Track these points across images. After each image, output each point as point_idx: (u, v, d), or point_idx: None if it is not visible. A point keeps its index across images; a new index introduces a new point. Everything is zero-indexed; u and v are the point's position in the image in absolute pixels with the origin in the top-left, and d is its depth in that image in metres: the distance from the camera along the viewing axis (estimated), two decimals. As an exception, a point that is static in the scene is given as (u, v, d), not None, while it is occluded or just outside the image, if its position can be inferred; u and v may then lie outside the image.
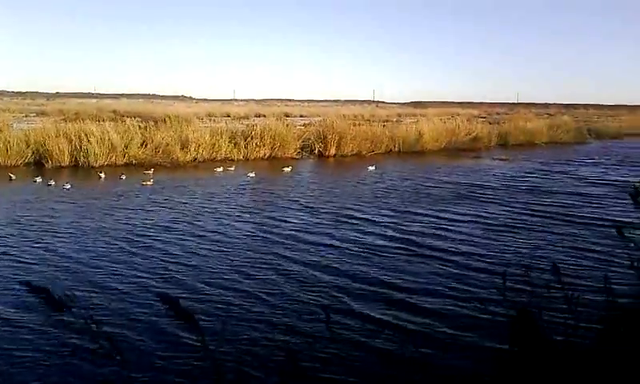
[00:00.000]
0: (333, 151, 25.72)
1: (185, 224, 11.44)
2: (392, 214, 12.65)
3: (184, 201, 14.01)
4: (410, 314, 6.65)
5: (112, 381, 4.71)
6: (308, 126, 31.39)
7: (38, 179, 16.81)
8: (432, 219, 12.03)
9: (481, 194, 15.61)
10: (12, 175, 17.24)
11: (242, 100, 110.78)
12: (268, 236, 10.47)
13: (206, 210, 12.99)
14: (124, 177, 17.62)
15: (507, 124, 35.85)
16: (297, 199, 14.47)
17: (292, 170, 20.56)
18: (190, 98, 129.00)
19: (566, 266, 7.94)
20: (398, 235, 10.57)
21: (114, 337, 5.51)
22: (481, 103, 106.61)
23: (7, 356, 5.54)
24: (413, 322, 6.39)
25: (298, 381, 1.76)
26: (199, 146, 22.75)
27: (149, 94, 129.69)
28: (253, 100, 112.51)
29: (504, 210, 13.11)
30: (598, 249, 9.40)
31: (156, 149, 21.76)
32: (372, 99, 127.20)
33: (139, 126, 23.83)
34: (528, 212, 12.87)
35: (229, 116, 51.73)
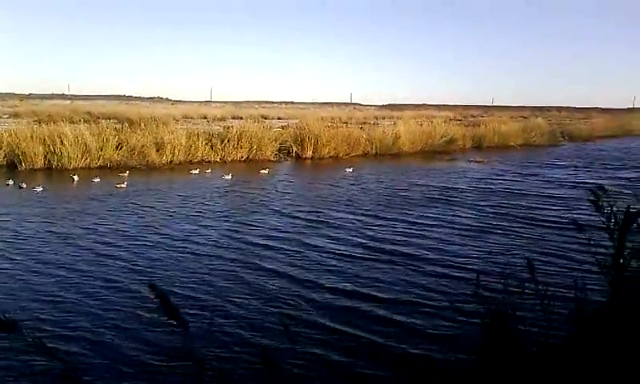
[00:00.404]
0: (310, 153, 25.81)
1: (154, 229, 11.28)
2: (366, 218, 12.74)
3: (157, 205, 13.88)
4: (379, 319, 6.71)
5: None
6: (285, 128, 31.41)
7: (10, 182, 16.54)
8: (406, 223, 12.14)
9: (454, 196, 15.82)
10: (-18, 178, 16.93)
11: (218, 102, 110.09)
12: (239, 241, 10.37)
13: (179, 214, 12.89)
14: (98, 180, 17.43)
15: (482, 127, 36.33)
16: (271, 203, 14.49)
17: (269, 172, 20.58)
18: (167, 99, 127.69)
19: (537, 268, 8.06)
20: (370, 240, 10.62)
21: (73, 354, 5.47)
22: (456, 106, 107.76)
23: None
24: (383, 328, 6.45)
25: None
26: (175, 148, 22.59)
27: (125, 96, 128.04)
28: (230, 102, 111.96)
29: (477, 214, 13.32)
30: (568, 251, 9.60)
31: (131, 151, 21.55)
32: (349, 102, 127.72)
33: (114, 128, 23.61)
34: (500, 215, 13.09)
35: (205, 118, 51.44)
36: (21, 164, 19.71)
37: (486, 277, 7.21)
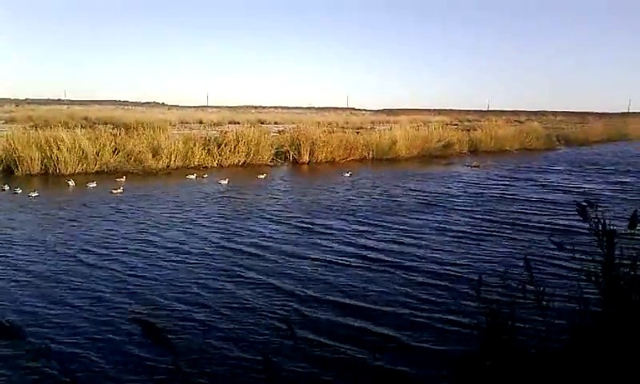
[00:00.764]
0: (307, 158, 25.86)
1: (148, 235, 11.23)
2: (362, 224, 12.70)
3: (151, 211, 13.84)
4: (375, 326, 6.67)
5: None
6: (282, 132, 31.45)
7: (6, 187, 16.51)
8: (402, 230, 12.11)
9: (450, 202, 15.83)
10: (-22, 184, 16.89)
11: (215, 106, 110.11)
12: (232, 251, 10.22)
13: (174, 220, 12.85)
14: (94, 185, 17.41)
15: (478, 131, 36.42)
16: (267, 208, 14.46)
17: (266, 177, 20.59)
18: (163, 104, 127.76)
19: (534, 274, 8.06)
20: (367, 248, 10.54)
21: (67, 361, 5.42)
22: (452, 110, 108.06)
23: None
24: (379, 335, 6.42)
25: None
26: (172, 153, 22.61)
27: (120, 101, 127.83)
28: (226, 107, 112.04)
29: (472, 219, 13.31)
30: (561, 257, 9.59)
31: (128, 156, 21.56)
32: (346, 106, 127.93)
33: (111, 133, 23.62)
34: (497, 220, 13.08)
35: (202, 122, 51.44)
36: (17, 169, 19.70)
37: (484, 282, 7.21)
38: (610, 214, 2.57)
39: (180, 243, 10.63)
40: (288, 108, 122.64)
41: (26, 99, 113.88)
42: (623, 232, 2.68)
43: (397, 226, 12.33)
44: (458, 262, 9.44)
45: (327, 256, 9.81)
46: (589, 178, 21.86)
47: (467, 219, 13.21)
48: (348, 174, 21.40)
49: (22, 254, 9.64)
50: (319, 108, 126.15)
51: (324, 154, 26.16)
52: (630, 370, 2.33)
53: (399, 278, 8.52)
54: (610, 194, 17.53)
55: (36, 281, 8.25)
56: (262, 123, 44.70)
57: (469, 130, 37.97)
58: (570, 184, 20.01)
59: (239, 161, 24.42)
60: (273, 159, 25.21)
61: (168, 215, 13.33)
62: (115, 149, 21.73)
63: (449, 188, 18.63)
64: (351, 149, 27.39)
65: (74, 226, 12.03)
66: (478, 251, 10.19)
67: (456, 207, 14.87)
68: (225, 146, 24.27)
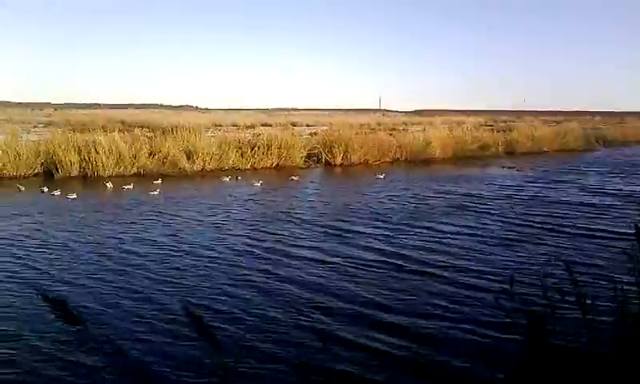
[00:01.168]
0: (339, 160, 25.73)
1: (182, 237, 11.25)
2: (393, 230, 12.36)
3: (187, 213, 13.92)
4: (405, 334, 6.46)
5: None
6: (314, 134, 31.43)
7: (45, 189, 16.92)
8: (439, 232, 11.89)
9: (486, 205, 15.47)
10: (21, 186, 17.35)
11: (248, 109, 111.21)
12: (267, 251, 10.21)
13: (207, 222, 12.89)
14: (130, 187, 17.66)
15: (514, 132, 35.65)
16: (300, 211, 14.38)
17: (298, 179, 20.57)
18: (196, 107, 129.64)
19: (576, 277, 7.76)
20: (402, 250, 10.38)
21: (97, 367, 5.53)
22: (486, 111, 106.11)
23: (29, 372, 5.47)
24: (409, 343, 6.23)
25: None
26: (206, 155, 22.83)
27: (155, 104, 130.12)
28: (259, 109, 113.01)
29: (508, 223, 12.97)
30: (602, 262, 9.24)
31: (164, 159, 21.86)
32: (378, 108, 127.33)
33: (147, 136, 24.01)
34: (538, 224, 12.71)
35: (235, 125, 51.87)
36: (57, 172, 20.17)
37: (518, 286, 6.99)
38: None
39: (216, 244, 10.66)
40: (320, 110, 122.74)
41: (66, 103, 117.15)
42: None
43: (431, 231, 12.01)
44: (497, 264, 9.17)
45: (360, 262, 9.54)
46: (630, 181, 21.09)
47: (505, 223, 12.88)
48: (381, 176, 21.19)
49: (59, 255, 9.81)
50: (351, 109, 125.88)
51: (357, 156, 25.97)
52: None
53: (440, 282, 8.32)
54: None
55: (75, 279, 8.41)
56: (294, 125, 44.84)
57: (504, 131, 37.25)
58: (610, 186, 19.34)
59: (272, 163, 24.49)
60: (306, 161, 25.18)
61: (203, 217, 13.42)
62: (151, 152, 22.06)
63: (488, 190, 18.23)
64: (384, 150, 27.14)
65: (111, 227, 12.21)
66: (517, 254, 9.89)
67: (495, 212, 14.42)
68: (258, 148, 24.38)
